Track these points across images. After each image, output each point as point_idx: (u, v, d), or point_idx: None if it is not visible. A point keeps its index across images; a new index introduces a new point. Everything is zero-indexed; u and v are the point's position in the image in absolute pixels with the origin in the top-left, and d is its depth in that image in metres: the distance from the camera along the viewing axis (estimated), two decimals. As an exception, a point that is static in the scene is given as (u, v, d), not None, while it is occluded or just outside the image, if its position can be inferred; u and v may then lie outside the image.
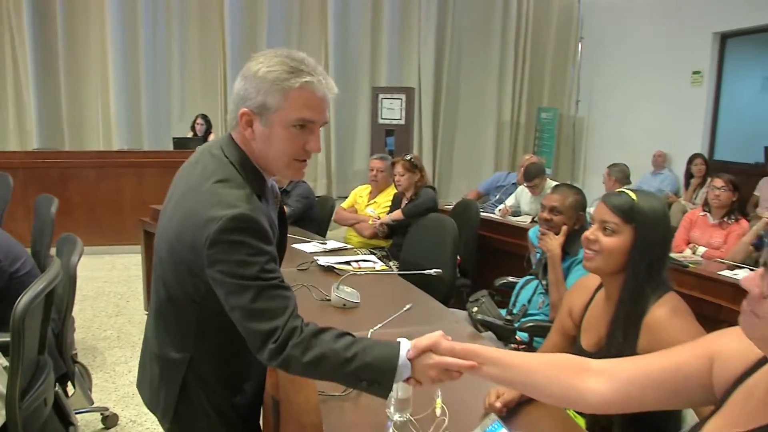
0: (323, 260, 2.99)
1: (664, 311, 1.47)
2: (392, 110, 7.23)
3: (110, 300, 4.96)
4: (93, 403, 2.92)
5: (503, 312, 2.66)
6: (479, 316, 2.33)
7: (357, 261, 3.01)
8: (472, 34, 8.92)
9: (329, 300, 2.48)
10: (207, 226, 1.21)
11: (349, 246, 3.51)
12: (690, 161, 6.44)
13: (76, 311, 4.64)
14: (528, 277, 2.74)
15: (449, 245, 3.20)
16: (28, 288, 1.81)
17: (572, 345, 1.73)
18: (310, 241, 3.45)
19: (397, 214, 3.88)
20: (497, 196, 5.45)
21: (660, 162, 7.18)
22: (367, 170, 8.61)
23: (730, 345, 0.96)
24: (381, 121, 7.32)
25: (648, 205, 1.56)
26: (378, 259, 3.84)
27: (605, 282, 1.62)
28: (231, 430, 1.49)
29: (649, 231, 1.53)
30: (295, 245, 3.41)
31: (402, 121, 7.23)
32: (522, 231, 4.07)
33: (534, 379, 1.10)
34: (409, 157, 3.91)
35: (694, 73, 7.04)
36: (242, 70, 1.31)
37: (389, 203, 4.13)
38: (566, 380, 1.06)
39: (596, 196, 4.59)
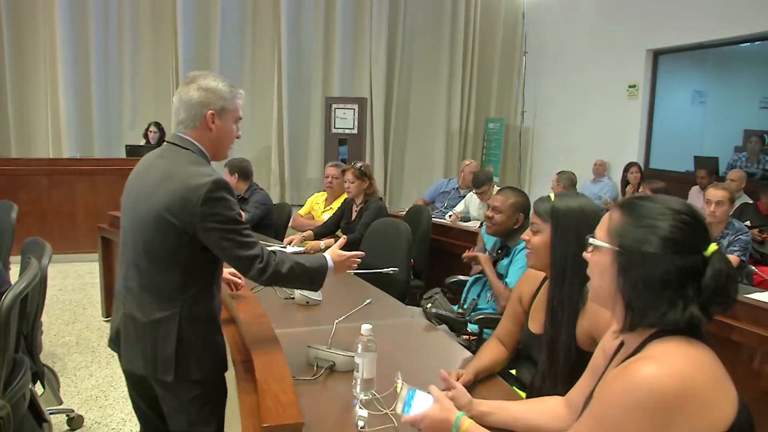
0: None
1: None
2: (345, 119, 7.43)
3: (66, 307, 4.96)
4: (62, 403, 2.98)
5: (455, 308, 2.87)
6: (434, 310, 2.52)
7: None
8: (422, 46, 9.21)
9: (293, 298, 2.64)
10: (197, 190, 1.64)
11: (304, 249, 3.67)
12: (626, 169, 6.86)
13: (32, 318, 4.65)
14: (477, 275, 2.96)
15: (403, 247, 3.40)
16: (12, 287, 1.90)
17: (521, 329, 1.94)
18: (270, 245, 3.59)
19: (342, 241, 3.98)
20: (444, 203, 5.70)
21: (600, 170, 7.57)
22: (321, 178, 8.87)
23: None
24: (334, 131, 7.52)
25: (563, 204, 1.78)
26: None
27: (547, 274, 1.84)
28: (218, 367, 1.83)
29: (563, 225, 1.75)
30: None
31: (354, 131, 7.44)
32: (471, 234, 4.31)
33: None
34: (359, 165, 4.08)
35: (630, 86, 7.48)
36: (196, 84, 1.78)
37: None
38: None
39: None
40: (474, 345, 2.62)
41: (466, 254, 3.19)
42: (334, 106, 7.51)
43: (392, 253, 3.46)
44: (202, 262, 1.74)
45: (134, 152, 6.99)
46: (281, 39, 8.40)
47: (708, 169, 6.23)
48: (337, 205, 4.36)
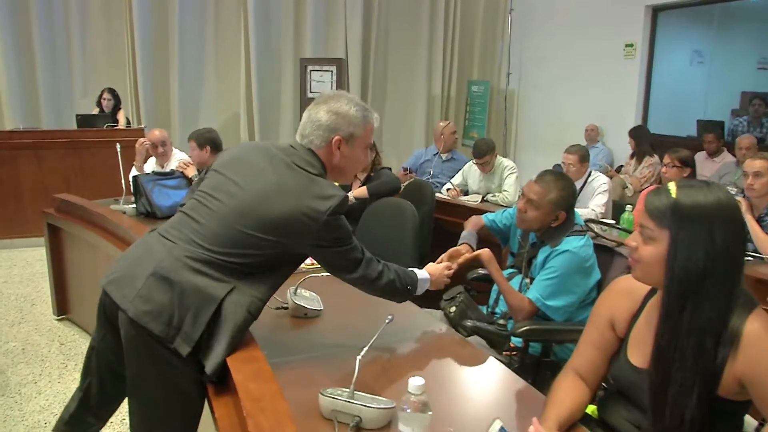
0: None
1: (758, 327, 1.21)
2: (322, 83, 6.77)
3: (12, 304, 4.32)
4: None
5: (483, 309, 2.36)
6: (469, 323, 2.01)
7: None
8: (401, 4, 8.54)
9: (286, 308, 2.09)
10: (319, 209, 1.59)
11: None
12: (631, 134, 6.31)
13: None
14: (509, 270, 2.44)
15: (409, 233, 2.87)
16: None
17: (614, 361, 1.44)
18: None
19: (362, 191, 3.41)
20: (429, 172, 5.15)
21: (593, 136, 7.12)
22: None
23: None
24: (310, 95, 6.82)
25: (690, 200, 1.25)
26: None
27: (660, 290, 1.32)
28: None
29: (693, 231, 1.23)
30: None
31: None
32: (479, 213, 3.79)
33: None
34: None
35: (627, 46, 6.98)
36: (327, 105, 1.71)
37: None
38: None
39: (527, 170, 4.41)
40: (516, 362, 2.12)
41: (462, 259, 2.38)
42: (309, 67, 6.81)
43: (396, 239, 2.93)
44: (281, 264, 1.69)
45: (86, 122, 6.27)
46: (247, -3, 7.65)
47: (716, 134, 5.80)
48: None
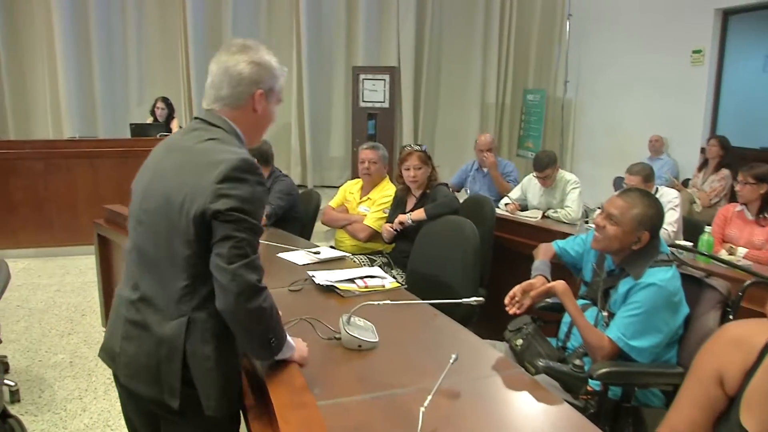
0: (320, 276, 2.43)
1: None
2: (375, 92, 6.63)
3: (63, 314, 4.31)
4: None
5: (552, 340, 2.15)
6: (541, 363, 1.80)
7: (362, 277, 2.46)
8: (454, 10, 8.37)
9: (338, 338, 1.93)
10: (217, 165, 1.35)
11: (345, 254, 2.93)
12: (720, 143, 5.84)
13: (21, 330, 4.01)
14: (582, 301, 2.20)
15: (470, 254, 2.67)
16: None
17: (721, 423, 1.22)
18: (298, 250, 2.88)
19: (420, 213, 3.19)
20: (475, 187, 4.96)
21: (657, 147, 6.77)
22: (345, 157, 8.15)
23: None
24: (362, 104, 6.71)
25: None
26: (381, 268, 3.30)
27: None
28: (234, 402, 1.51)
29: None
30: (282, 255, 2.84)
31: (385, 104, 6.63)
32: (541, 231, 3.57)
33: None
34: (423, 147, 3.33)
35: (695, 52, 6.61)
36: (247, 56, 1.50)
37: (386, 200, 3.55)
38: None
39: (584, 183, 4.14)
40: (593, 407, 1.90)
41: (535, 293, 2.15)
42: (361, 76, 6.68)
43: (454, 261, 2.74)
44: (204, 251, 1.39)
45: (140, 131, 6.30)
46: (300, 2, 7.61)
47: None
48: (376, 194, 3.63)
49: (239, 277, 1.32)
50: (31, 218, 5.62)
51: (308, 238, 3.87)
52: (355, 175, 6.72)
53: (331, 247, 3.84)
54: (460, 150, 8.38)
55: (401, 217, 3.21)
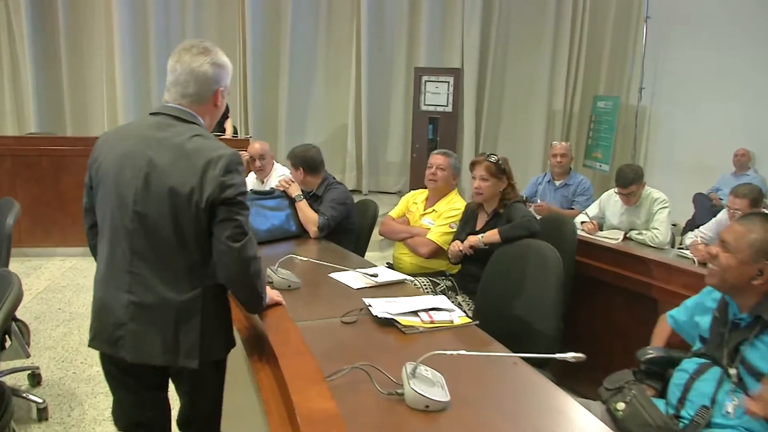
0: (378, 306, 2.09)
1: None
2: (437, 95, 6.25)
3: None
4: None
5: (660, 404, 1.74)
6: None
7: (426, 310, 2.11)
8: (523, 10, 7.93)
9: (401, 394, 1.58)
10: (218, 161, 1.60)
11: (405, 277, 2.57)
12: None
13: (59, 336, 3.83)
14: (697, 360, 1.77)
15: (553, 287, 2.28)
16: None
17: None
18: (353, 270, 2.55)
19: (493, 235, 2.76)
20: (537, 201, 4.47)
21: (743, 162, 6.21)
22: (402, 162, 7.81)
23: None
24: (424, 108, 6.32)
25: None
26: (445, 293, 2.94)
27: None
28: (231, 343, 1.81)
29: None
30: (335, 276, 2.51)
31: (448, 108, 6.24)
32: (625, 257, 3.12)
33: None
34: (495, 158, 2.94)
35: (791, 57, 6.00)
36: (209, 57, 1.71)
37: (454, 213, 3.17)
38: None
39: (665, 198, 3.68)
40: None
41: None
42: (424, 78, 6.29)
43: (534, 291, 2.35)
44: (209, 233, 1.66)
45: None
46: (360, 1, 7.33)
47: None
48: (442, 207, 3.25)
49: (243, 252, 1.62)
50: (80, 216, 5.49)
51: (363, 252, 3.53)
52: (415, 184, 6.37)
53: (388, 264, 3.51)
54: (523, 159, 7.94)
55: (472, 240, 2.82)
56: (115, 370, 1.78)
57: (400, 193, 7.99)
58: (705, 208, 5.74)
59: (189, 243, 1.62)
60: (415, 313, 2.08)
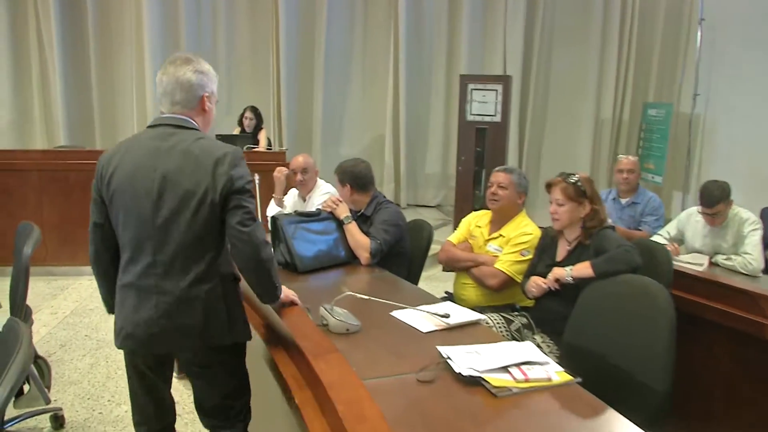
0: (460, 362, 1.74)
1: None
2: (485, 103, 5.86)
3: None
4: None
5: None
6: None
7: (517, 365, 1.75)
8: (568, 13, 7.54)
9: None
10: (225, 157, 1.77)
11: (479, 317, 2.21)
12: None
13: (85, 368, 3.54)
14: None
15: (663, 332, 1.90)
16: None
17: None
18: (414, 308, 2.19)
19: (585, 269, 2.36)
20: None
21: (811, 174, 5.71)
22: (442, 174, 7.44)
23: None
24: (470, 118, 5.94)
25: None
26: (519, 332, 2.59)
27: None
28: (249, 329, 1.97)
29: None
30: (397, 315, 2.17)
31: (497, 118, 5.85)
32: (723, 289, 2.71)
33: None
34: (574, 179, 2.58)
35: None
36: (191, 66, 1.84)
37: (525, 239, 2.79)
38: None
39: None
40: None
41: None
42: (470, 86, 5.91)
43: (637, 343, 1.97)
44: (222, 225, 1.80)
45: (226, 142, 5.83)
46: (398, 7, 7.02)
47: None
48: (510, 231, 2.87)
49: (254, 236, 1.76)
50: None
51: (416, 279, 3.19)
52: (461, 200, 6.01)
53: (447, 294, 3.16)
54: (571, 169, 7.48)
55: (558, 273, 2.44)
56: (144, 367, 1.90)
57: (439, 207, 7.63)
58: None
59: (206, 238, 1.78)
60: (505, 369, 1.73)
